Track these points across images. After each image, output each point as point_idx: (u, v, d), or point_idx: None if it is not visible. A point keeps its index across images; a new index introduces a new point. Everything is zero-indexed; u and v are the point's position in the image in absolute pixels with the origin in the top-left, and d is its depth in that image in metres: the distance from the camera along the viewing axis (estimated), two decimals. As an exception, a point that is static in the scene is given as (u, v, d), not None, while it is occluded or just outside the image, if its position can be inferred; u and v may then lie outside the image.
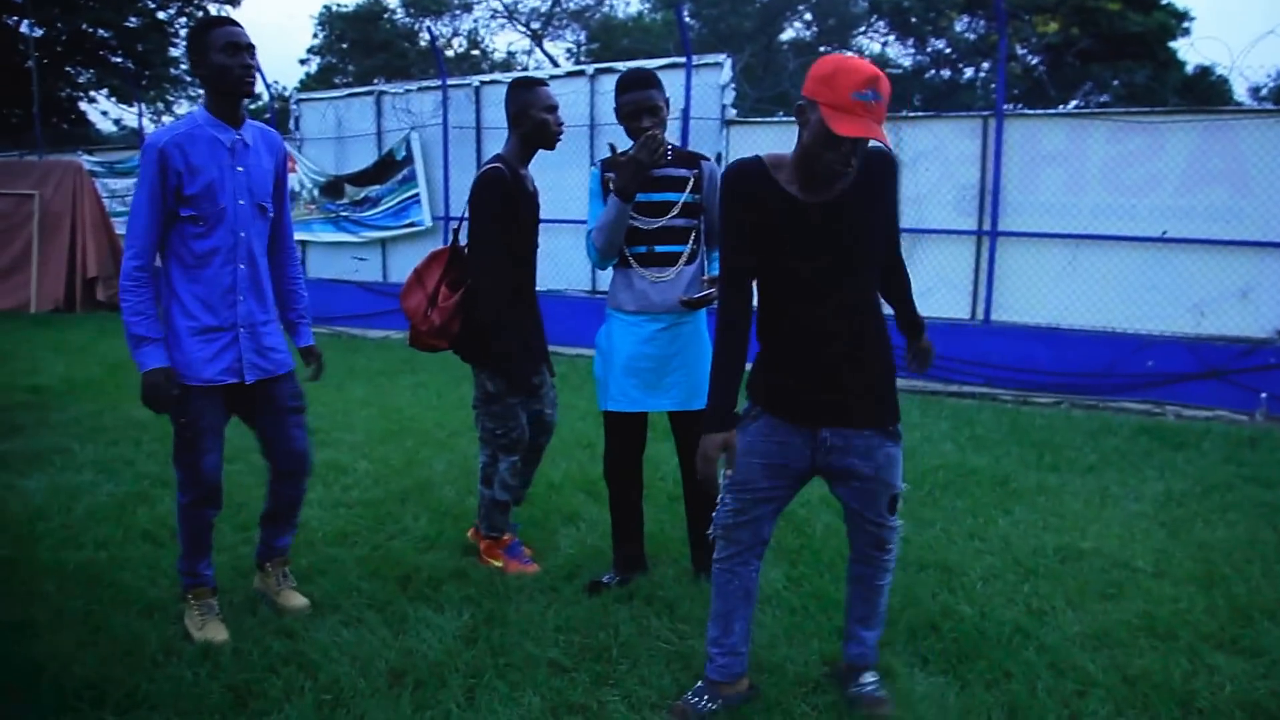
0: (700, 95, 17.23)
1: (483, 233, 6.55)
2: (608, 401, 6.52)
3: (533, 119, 6.60)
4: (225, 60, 5.44)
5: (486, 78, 20.31)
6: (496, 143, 19.33)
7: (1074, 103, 37.77)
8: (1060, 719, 4.97)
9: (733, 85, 17.56)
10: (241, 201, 5.64)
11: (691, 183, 6.33)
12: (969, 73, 45.71)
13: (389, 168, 21.42)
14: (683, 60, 17.22)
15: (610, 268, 6.54)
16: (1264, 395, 13.30)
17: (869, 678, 5.08)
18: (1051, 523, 7.84)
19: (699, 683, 5.04)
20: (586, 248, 6.45)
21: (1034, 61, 39.67)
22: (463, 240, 6.84)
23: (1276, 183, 13.67)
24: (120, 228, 25.24)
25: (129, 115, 50.80)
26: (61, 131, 43.88)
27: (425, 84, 21.32)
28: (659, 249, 6.33)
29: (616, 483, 6.78)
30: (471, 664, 5.41)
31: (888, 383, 4.81)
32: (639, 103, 6.18)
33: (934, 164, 15.70)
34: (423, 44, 51.13)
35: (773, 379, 4.80)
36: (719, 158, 16.80)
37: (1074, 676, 5.40)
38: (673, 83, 16.98)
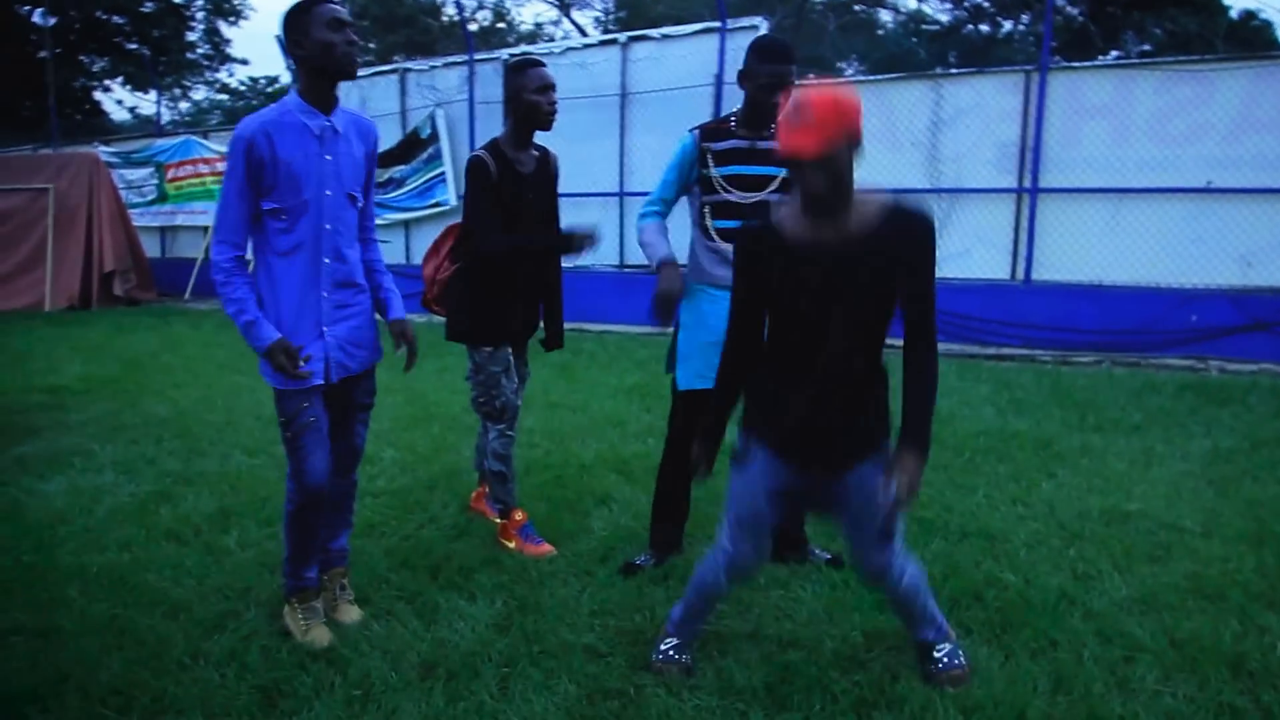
0: (736, 60, 16.95)
1: (471, 216, 6.73)
2: (692, 379, 6.41)
3: (524, 101, 6.68)
4: (330, 37, 5.26)
5: (515, 51, 20.29)
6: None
7: (1114, 54, 37.48)
8: (1107, 686, 4.96)
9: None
10: (329, 192, 5.49)
11: None
12: (1007, 26, 45.43)
13: (414, 147, 21.43)
14: (717, 25, 17.20)
15: (693, 239, 6.51)
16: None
17: (942, 649, 5.07)
18: (1096, 485, 7.83)
19: (670, 639, 5.23)
20: (639, 215, 6.55)
21: (1074, 12, 39.44)
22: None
23: (1328, 129, 13.48)
24: (137, 219, 25.38)
25: (145, 103, 50.96)
26: (76, 122, 43.99)
27: (451, 60, 21.36)
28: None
29: (676, 463, 6.65)
30: (505, 653, 5.42)
31: (881, 433, 4.81)
32: (781, 77, 6.06)
33: (974, 121, 15.73)
34: (446, 19, 51.01)
35: (768, 415, 4.83)
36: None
37: (1121, 642, 5.40)
38: (707, 47, 17.24)
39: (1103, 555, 6.58)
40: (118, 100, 47.93)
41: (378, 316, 5.96)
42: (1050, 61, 15.34)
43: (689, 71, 17.63)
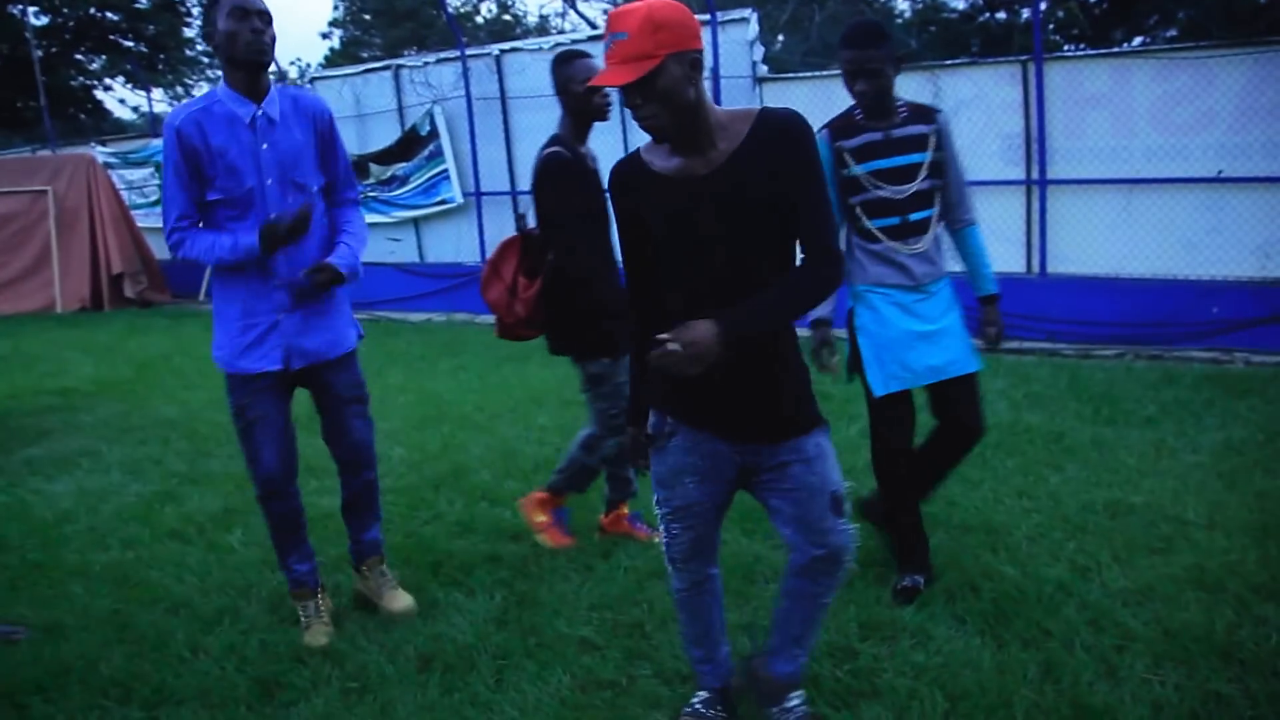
0: (728, 52, 17.30)
1: (556, 217, 6.56)
2: (889, 383, 6.16)
3: (574, 94, 6.59)
4: (232, 26, 5.33)
5: (507, 45, 20.29)
6: (522, 113, 19.73)
7: (1138, 40, 37.40)
8: (1097, 674, 5.09)
9: (760, 41, 17.54)
10: (269, 181, 5.55)
11: (933, 139, 6.11)
12: (1026, 14, 45.14)
13: (414, 144, 21.43)
14: (707, 18, 17.15)
15: (849, 243, 6.30)
16: (1334, 337, 13.19)
17: (796, 699, 4.81)
18: (1104, 478, 7.94)
19: (700, 694, 4.93)
20: None
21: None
22: (531, 223, 6.86)
23: (1337, 114, 13.50)
24: (141, 220, 25.43)
25: (144, 101, 51.10)
26: (78, 122, 44.06)
27: (444, 55, 21.32)
28: (913, 217, 6.10)
29: (890, 475, 6.39)
30: (501, 646, 5.59)
31: (794, 402, 4.39)
32: (856, 63, 5.97)
33: (976, 113, 15.63)
34: (452, 9, 51.06)
35: (675, 381, 4.23)
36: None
37: (1114, 632, 5.52)
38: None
39: (1103, 547, 6.68)
40: (120, 99, 47.97)
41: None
42: (1062, 49, 15.38)
43: None
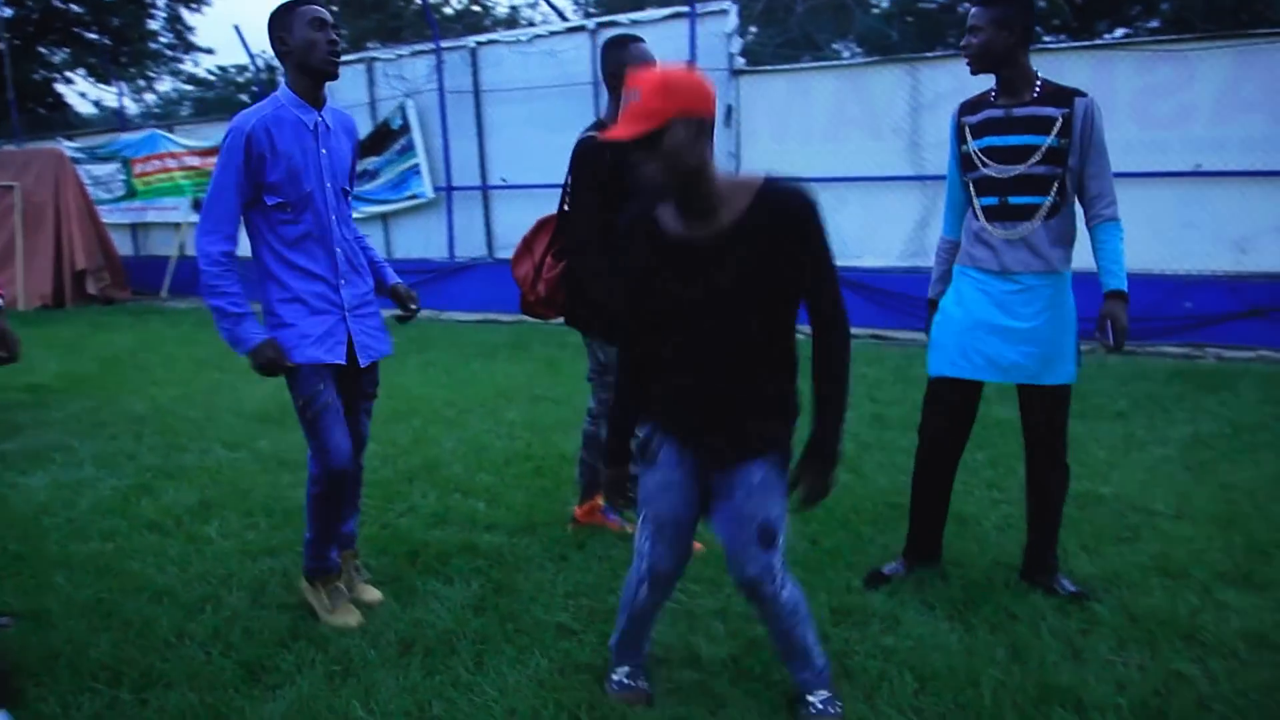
0: (706, 45, 17.32)
1: (578, 203, 6.64)
2: (943, 365, 6.21)
3: (625, 78, 6.65)
4: (313, 35, 5.54)
5: (483, 38, 20.33)
6: (496, 106, 19.90)
7: (1120, 31, 37.47)
8: (1063, 656, 5.31)
9: (738, 33, 17.64)
10: (327, 184, 5.77)
11: (1060, 124, 5.85)
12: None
13: (385, 138, 21.56)
14: (685, 9, 17.32)
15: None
16: (1308, 332, 13.36)
17: (815, 697, 4.83)
18: (1073, 470, 8.04)
19: (620, 667, 5.13)
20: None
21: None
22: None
23: (1316, 108, 13.61)
24: (106, 216, 25.38)
25: (108, 95, 50.85)
26: (38, 116, 43.81)
27: (418, 48, 21.40)
28: (1013, 200, 5.94)
29: (929, 464, 6.47)
30: (480, 631, 5.74)
31: (780, 417, 4.58)
32: (969, 29, 5.95)
33: (956, 106, 15.45)
34: (418, 2, 50.80)
35: (666, 405, 4.65)
36: (729, 111, 17.20)
37: (1079, 617, 5.76)
38: (677, 33, 17.25)
39: (1071, 537, 6.88)
40: (80, 93, 47.84)
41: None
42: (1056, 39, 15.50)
43: (660, 57, 16.86)
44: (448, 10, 50.68)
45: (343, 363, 5.84)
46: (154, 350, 16.64)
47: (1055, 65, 15.00)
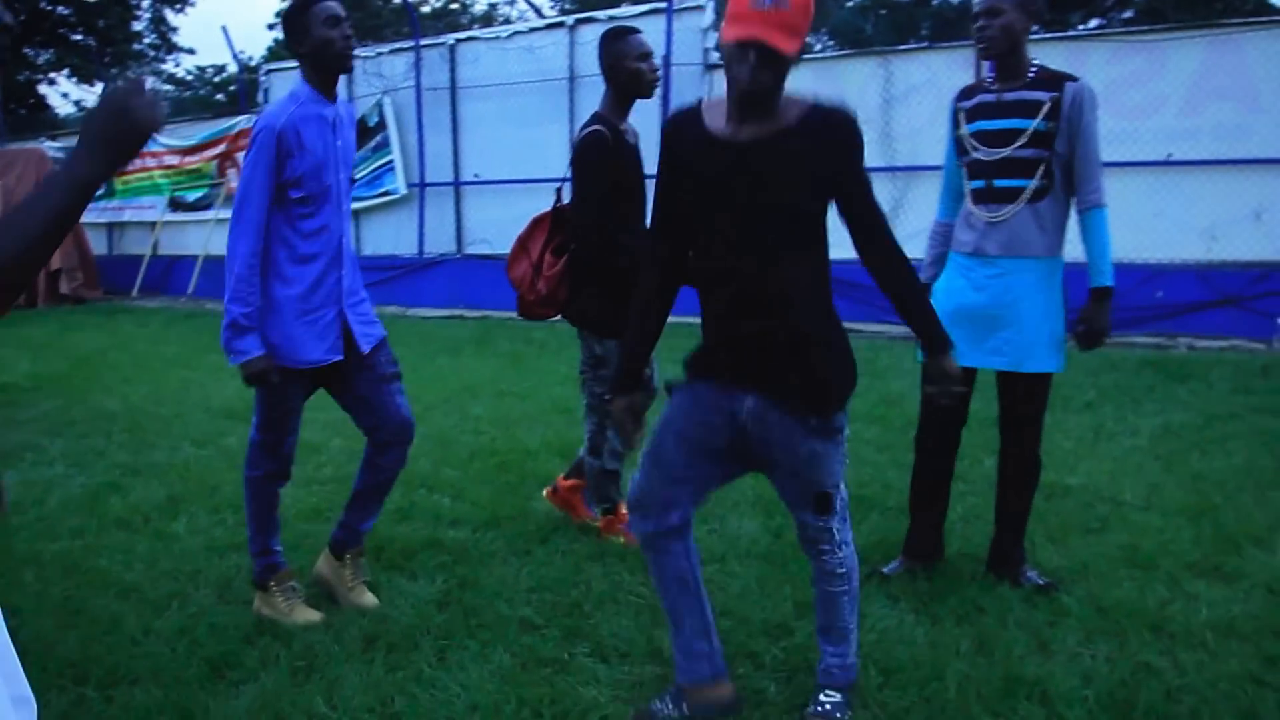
0: (682, 40, 17.40)
1: (587, 197, 6.62)
2: None
3: (627, 69, 6.66)
4: (329, 33, 5.58)
5: (462, 35, 20.36)
6: (472, 103, 19.90)
7: (1095, 22, 37.48)
8: (1029, 648, 5.28)
9: (714, 28, 17.51)
10: (341, 176, 5.84)
11: (1048, 107, 5.80)
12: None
13: (361, 135, 20.84)
14: (663, 5, 17.37)
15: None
16: (1279, 321, 13.52)
17: (827, 697, 4.74)
18: (1041, 462, 8.13)
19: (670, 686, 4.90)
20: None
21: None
22: (566, 200, 6.91)
23: (1286, 96, 13.66)
24: (84, 216, 25.33)
25: (90, 96, 50.73)
26: (19, 117, 43.82)
27: (397, 45, 21.45)
28: (998, 183, 5.91)
29: (927, 448, 6.44)
30: (443, 626, 5.71)
31: (827, 370, 4.44)
32: (978, 13, 5.87)
33: (927, 98, 15.76)
34: (397, 1, 50.80)
35: (703, 342, 4.56)
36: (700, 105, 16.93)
37: (1047, 609, 5.73)
38: (654, 29, 17.20)
39: (1039, 529, 6.84)
40: (63, 94, 47.67)
41: None
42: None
43: None
44: (425, 9, 50.71)
45: (341, 358, 5.87)
46: (124, 349, 16.62)
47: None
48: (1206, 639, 5.34)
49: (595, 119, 6.69)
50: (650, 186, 4.84)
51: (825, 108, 4.30)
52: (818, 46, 31.77)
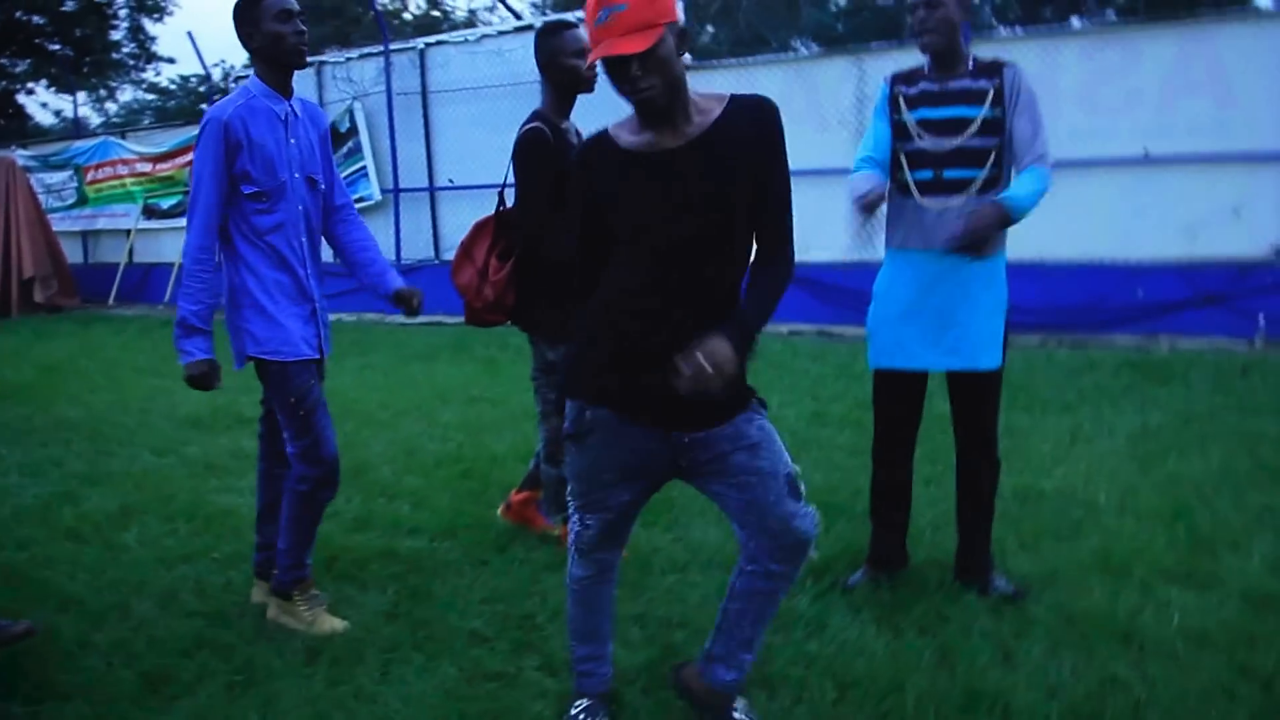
0: (653, 40, 17.07)
1: (529, 195, 6.44)
2: (879, 356, 6.01)
3: (562, 66, 6.51)
4: (280, 28, 5.50)
5: (432, 39, 20.29)
6: (444, 107, 19.79)
7: (1075, 22, 37.55)
8: (993, 660, 5.13)
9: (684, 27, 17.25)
10: (296, 174, 5.74)
11: (992, 95, 5.69)
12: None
13: (333, 141, 20.93)
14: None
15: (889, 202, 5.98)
16: (1261, 319, 13.44)
17: (740, 708, 4.66)
18: (1015, 465, 7.91)
19: (580, 701, 4.74)
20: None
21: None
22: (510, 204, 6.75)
23: (1262, 90, 13.70)
24: (57, 224, 25.39)
25: (69, 105, 50.74)
26: (-1, 127, 43.84)
27: (367, 51, 21.34)
28: (948, 174, 5.75)
29: (883, 459, 6.24)
30: (390, 639, 5.60)
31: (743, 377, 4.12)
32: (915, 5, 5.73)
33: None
34: (381, 7, 50.80)
35: (603, 369, 4.25)
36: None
37: (1013, 618, 5.58)
38: None
39: (1010, 534, 6.71)
40: (42, 103, 47.63)
41: None
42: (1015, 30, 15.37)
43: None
44: (406, 16, 50.74)
45: (316, 355, 5.80)
46: (95, 357, 16.47)
47: (1000, 52, 14.03)
48: (1177, 649, 5.20)
49: (534, 116, 6.54)
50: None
51: (743, 99, 4.15)
52: (802, 50, 31.67)
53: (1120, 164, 14.57)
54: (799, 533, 4.28)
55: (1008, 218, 5.56)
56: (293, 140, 5.73)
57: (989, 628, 5.47)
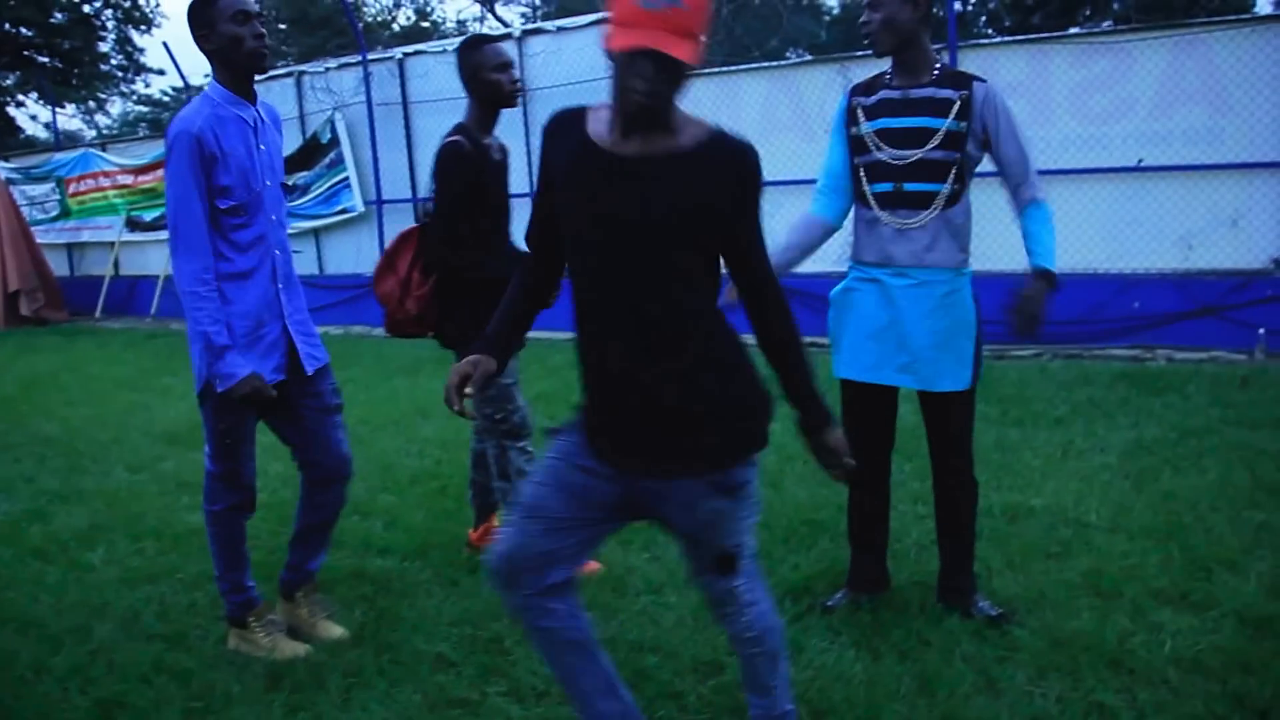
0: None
1: (441, 210, 6.43)
2: (840, 367, 5.90)
3: (484, 80, 6.51)
4: (237, 30, 5.24)
5: (410, 49, 20.18)
6: (425, 118, 19.67)
7: (1074, 30, 37.60)
8: (976, 687, 5.00)
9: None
10: (269, 183, 5.54)
11: (958, 106, 5.49)
12: (957, 6, 45.06)
13: (314, 152, 21.39)
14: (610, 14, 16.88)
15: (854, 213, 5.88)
16: (1262, 331, 13.28)
17: None
18: (1005, 481, 7.88)
19: None
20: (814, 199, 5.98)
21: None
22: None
23: (1257, 98, 13.59)
24: (41, 237, 25.36)
25: (60, 117, 50.79)
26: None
27: (346, 61, 21.26)
28: (909, 187, 5.55)
29: (856, 480, 5.47)
30: (354, 663, 5.49)
31: (721, 426, 3.86)
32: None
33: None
34: (369, 19, 50.85)
35: (583, 397, 4.02)
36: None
37: (998, 642, 5.44)
38: (597, 39, 16.88)
39: (997, 554, 6.59)
40: (31, 115, 47.59)
41: None
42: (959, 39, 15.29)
43: (589, 65, 17.27)
44: (395, 27, 50.81)
45: (282, 378, 5.57)
46: (77, 371, 16.37)
47: (990, 60, 14.96)
48: (1169, 675, 5.05)
49: (456, 130, 6.51)
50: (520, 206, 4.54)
51: (728, 138, 3.80)
52: (791, 56, 31.60)
53: (1114, 173, 14.48)
54: (720, 601, 4.14)
55: (1055, 283, 5.63)
56: (263, 147, 5.53)
57: (971, 652, 5.33)
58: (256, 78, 5.52)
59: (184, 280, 5.25)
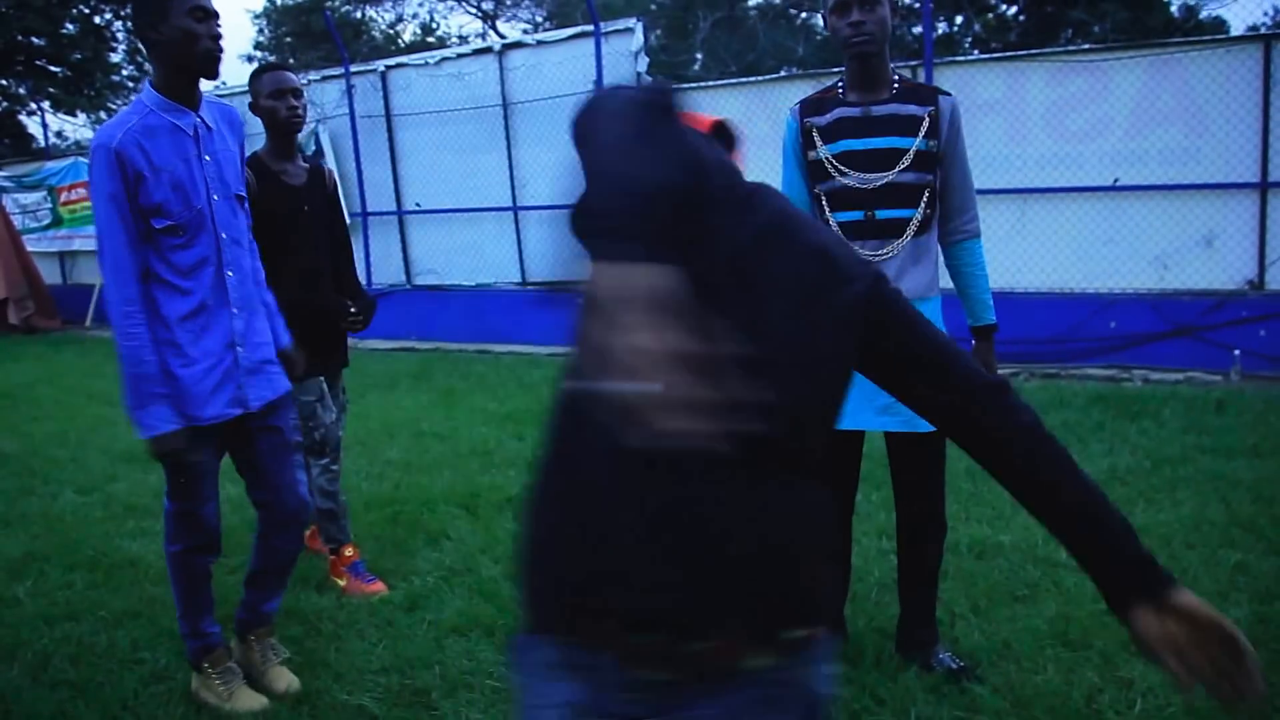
0: (612, 64, 16.86)
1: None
2: None
3: (260, 107, 6.53)
4: (192, 26, 4.63)
5: (391, 61, 19.97)
6: (408, 130, 19.44)
7: (1051, 48, 37.66)
8: (930, 753, 4.53)
9: (645, 51, 17.04)
10: (215, 197, 4.95)
11: (927, 124, 5.04)
12: (942, 27, 45.34)
13: None
14: (591, 29, 16.87)
15: None
16: (1237, 352, 13.04)
17: None
18: (973, 513, 7.47)
19: None
20: None
21: (1012, 11, 39.45)
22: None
23: (1232, 119, 13.41)
24: (33, 245, 25.26)
25: (69, 126, 50.80)
26: (3, 145, 43.80)
27: (328, 73, 20.98)
28: (881, 214, 5.05)
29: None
30: (269, 715, 5.10)
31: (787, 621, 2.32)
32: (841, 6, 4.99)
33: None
34: (375, 33, 50.77)
35: (558, 571, 2.29)
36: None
37: (957, 701, 4.99)
38: (583, 52, 16.92)
39: (962, 595, 6.17)
40: (42, 124, 47.60)
41: None
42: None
43: (569, 78, 17.09)
44: (401, 43, 50.93)
45: (238, 412, 5.06)
46: (54, 383, 16.06)
47: (965, 77, 14.75)
48: (1138, 738, 4.57)
49: (248, 158, 6.19)
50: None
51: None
52: (782, 71, 31.42)
53: (1090, 192, 14.28)
54: None
55: (995, 330, 5.36)
56: (207, 157, 4.92)
57: (927, 714, 4.87)
58: (238, 90, 5.04)
59: (111, 309, 4.73)
